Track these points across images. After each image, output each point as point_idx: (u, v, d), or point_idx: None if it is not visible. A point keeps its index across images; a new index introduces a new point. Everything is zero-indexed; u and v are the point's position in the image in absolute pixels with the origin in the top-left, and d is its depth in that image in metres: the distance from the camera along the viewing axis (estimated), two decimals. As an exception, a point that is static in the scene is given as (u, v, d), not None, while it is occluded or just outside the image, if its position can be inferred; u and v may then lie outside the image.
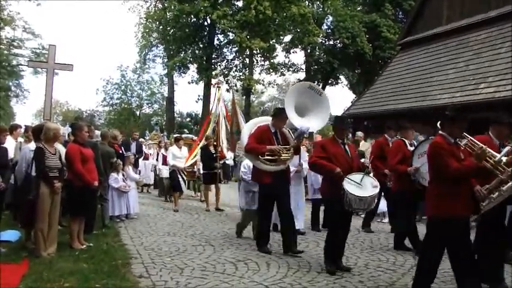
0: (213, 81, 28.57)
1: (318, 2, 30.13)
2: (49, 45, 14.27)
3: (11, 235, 6.87)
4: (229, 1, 26.11)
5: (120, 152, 9.80)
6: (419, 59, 16.98)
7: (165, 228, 8.60)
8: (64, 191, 6.45)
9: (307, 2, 28.46)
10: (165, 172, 12.66)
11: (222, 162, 11.92)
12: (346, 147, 6.03)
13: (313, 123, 6.78)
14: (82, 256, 6.13)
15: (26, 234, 6.62)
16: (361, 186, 5.61)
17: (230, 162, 16.20)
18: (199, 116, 31.59)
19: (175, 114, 37.42)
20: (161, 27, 29.63)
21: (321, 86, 34.43)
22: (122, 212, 9.35)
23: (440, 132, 4.80)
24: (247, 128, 7.24)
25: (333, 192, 5.69)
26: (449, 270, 5.03)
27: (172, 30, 28.26)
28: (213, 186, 11.56)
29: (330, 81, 33.70)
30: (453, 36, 15.85)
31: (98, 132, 10.51)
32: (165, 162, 12.74)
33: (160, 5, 30.56)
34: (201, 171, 12.01)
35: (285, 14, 25.70)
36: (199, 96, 29.84)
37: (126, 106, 40.44)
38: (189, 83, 29.15)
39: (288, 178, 7.01)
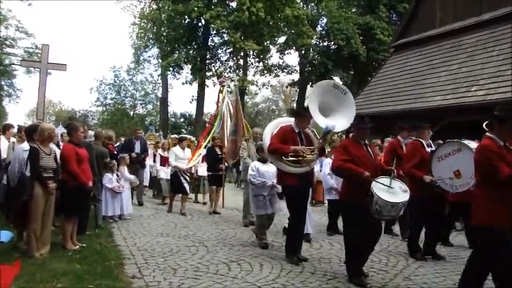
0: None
1: (312, 4, 30.19)
2: (42, 45, 14.25)
3: (3, 235, 6.82)
4: (223, 2, 26.11)
5: (115, 152, 9.80)
6: (413, 61, 17.06)
7: (159, 228, 8.59)
8: (58, 191, 6.44)
9: (301, 4, 28.50)
10: (163, 173, 12.35)
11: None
12: (369, 148, 5.74)
13: (339, 123, 6.38)
14: (75, 257, 6.12)
15: (18, 235, 6.60)
16: (391, 190, 5.25)
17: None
18: (193, 116, 31.56)
19: (169, 115, 37.36)
20: (155, 27, 29.59)
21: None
22: (115, 212, 9.33)
23: (488, 134, 4.47)
24: (269, 129, 6.90)
25: (357, 197, 5.31)
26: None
27: (166, 31, 28.22)
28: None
29: (324, 83, 33.72)
30: (446, 38, 15.95)
31: (91, 133, 10.49)
32: (163, 163, 12.46)
33: (154, 5, 30.53)
34: (205, 173, 11.79)
35: (279, 16, 25.71)
36: (193, 96, 29.83)
37: (119, 106, 40.34)
38: (183, 83, 29.16)
39: (311, 181, 6.81)
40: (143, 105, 42.28)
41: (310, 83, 33.71)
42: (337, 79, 33.12)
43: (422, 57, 16.67)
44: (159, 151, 13.29)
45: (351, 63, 29.74)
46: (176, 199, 11.14)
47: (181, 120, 39.58)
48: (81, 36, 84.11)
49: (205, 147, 11.99)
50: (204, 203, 12.24)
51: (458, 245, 7.82)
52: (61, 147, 7.52)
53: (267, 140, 6.70)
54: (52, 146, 6.66)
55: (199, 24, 27.85)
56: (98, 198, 8.27)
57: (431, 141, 7.15)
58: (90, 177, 6.85)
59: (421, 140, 6.90)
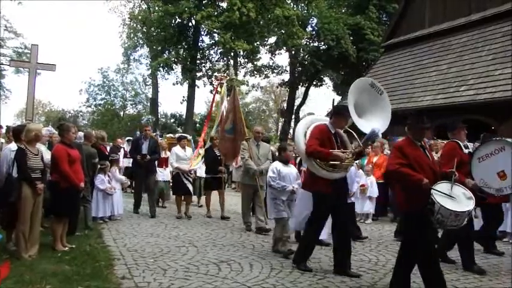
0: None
1: (303, 4, 30.25)
2: (31, 45, 14.16)
3: (-8, 237, 6.79)
4: (213, 2, 26.08)
5: (106, 153, 9.75)
6: (402, 61, 17.16)
7: (149, 229, 8.56)
8: (47, 192, 6.40)
9: (291, 4, 28.54)
10: (160, 175, 11.35)
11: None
12: (426, 150, 5.10)
13: (375, 125, 5.80)
14: (64, 258, 6.08)
15: (7, 236, 6.54)
16: (454, 198, 4.67)
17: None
18: (184, 117, 31.49)
19: (160, 115, 37.28)
20: (145, 27, 29.50)
21: (305, 87, 34.88)
22: (106, 213, 9.32)
23: None
24: (302, 127, 6.28)
25: (416, 205, 4.77)
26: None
27: (156, 31, 28.15)
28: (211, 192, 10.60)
29: (314, 83, 33.86)
30: (435, 39, 16.07)
31: (81, 134, 10.40)
32: (160, 165, 11.45)
33: (144, 6, 30.44)
34: (203, 175, 11.01)
35: (269, 16, 25.72)
36: (183, 97, 29.75)
37: (109, 107, 40.18)
38: (173, 84, 29.10)
39: (347, 187, 6.30)
40: (133, 105, 42.16)
41: (301, 83, 33.84)
42: (327, 79, 33.33)
43: (412, 57, 16.78)
44: None
45: (341, 63, 29.82)
46: (171, 202, 10.90)
47: (172, 120, 39.49)
48: (71, 36, 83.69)
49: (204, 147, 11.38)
50: (200, 206, 11.92)
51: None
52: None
53: (301, 141, 6.12)
54: (39, 146, 6.62)
55: (190, 24, 27.80)
56: (88, 199, 8.23)
57: (468, 143, 6.60)
58: (82, 178, 6.82)
59: (458, 141, 6.25)
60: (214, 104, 12.28)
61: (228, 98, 10.87)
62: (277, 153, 8.34)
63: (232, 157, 10.40)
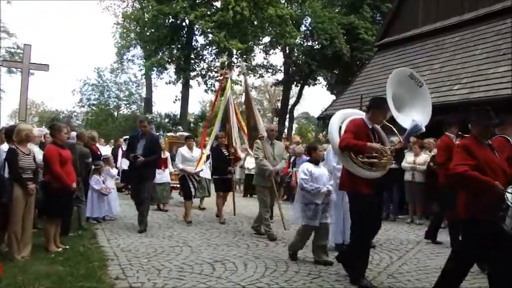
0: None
1: (296, 4, 30.28)
2: (24, 45, 14.08)
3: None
4: (207, 2, 26.05)
5: (98, 153, 9.71)
6: (396, 60, 17.18)
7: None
8: (40, 192, 6.37)
9: (285, 3, 28.55)
10: (158, 177, 10.51)
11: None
12: (494, 150, 4.58)
13: (416, 119, 5.42)
14: (58, 259, 6.05)
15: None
16: None
17: (249, 164, 13.87)
18: (178, 116, 31.45)
19: (154, 115, 37.18)
20: (139, 27, 29.43)
21: (299, 87, 34.91)
22: (101, 214, 9.32)
23: None
24: (336, 122, 5.76)
25: (484, 212, 4.25)
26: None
27: (150, 31, 28.08)
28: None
29: (308, 82, 33.89)
30: (429, 38, 16.10)
31: (74, 134, 10.36)
32: (159, 166, 10.52)
33: (137, 5, 30.34)
34: (206, 175, 10.57)
35: (263, 15, 25.71)
36: (176, 97, 29.69)
37: (103, 107, 40.05)
38: (166, 83, 29.06)
39: (383, 188, 5.95)
40: (127, 105, 42.04)
41: (295, 82, 33.86)
42: (321, 79, 33.35)
43: (405, 56, 16.80)
44: None
45: (335, 62, 29.86)
46: (171, 204, 10.64)
47: (166, 120, 39.39)
48: (64, 36, 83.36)
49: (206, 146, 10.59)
50: (202, 209, 11.42)
51: (441, 241, 7.89)
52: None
53: (335, 136, 5.62)
54: (33, 147, 6.59)
55: (184, 24, 27.76)
56: (81, 199, 8.19)
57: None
58: (74, 179, 6.78)
59: (507, 137, 5.66)
60: (217, 100, 11.52)
61: (242, 93, 10.42)
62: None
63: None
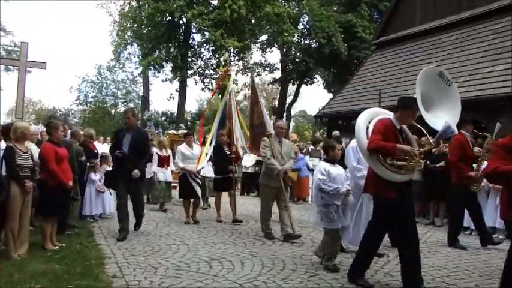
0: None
1: (294, 2, 30.25)
2: (21, 43, 14.02)
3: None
4: (204, 0, 26.01)
5: (95, 151, 9.70)
6: (393, 59, 17.21)
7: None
8: (36, 190, 6.36)
9: (282, 2, 28.53)
10: (161, 176, 10.86)
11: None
12: None
13: (447, 120, 5.13)
14: (54, 257, 6.04)
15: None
16: None
17: (247, 163, 14.20)
18: (175, 114, 31.43)
19: (151, 113, 37.14)
20: (135, 25, 29.38)
21: (296, 85, 34.90)
22: (98, 211, 9.32)
23: None
24: (362, 122, 5.45)
25: None
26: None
27: (146, 29, 28.03)
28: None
29: (305, 81, 33.88)
30: (426, 36, 16.12)
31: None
32: (161, 164, 10.96)
33: (134, 3, 30.28)
34: (209, 175, 10.48)
35: (260, 14, 25.69)
36: (171, 94, 29.57)
37: (100, 105, 40.01)
38: (162, 81, 29.04)
39: (411, 192, 5.46)
40: (124, 103, 41.97)
41: (292, 81, 33.84)
42: (318, 77, 33.35)
43: (403, 55, 16.83)
44: (155, 150, 11.40)
45: (332, 61, 29.84)
46: (173, 203, 10.46)
47: (163, 118, 39.37)
48: (61, 34, 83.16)
49: (210, 144, 10.12)
50: (205, 208, 11.10)
51: (434, 240, 7.91)
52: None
53: (362, 136, 5.33)
54: (30, 145, 6.58)
55: (181, 22, 27.72)
56: (75, 197, 8.13)
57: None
58: (70, 177, 6.76)
59: None
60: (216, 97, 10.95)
61: (248, 90, 10.11)
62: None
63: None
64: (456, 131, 5.29)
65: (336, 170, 6.02)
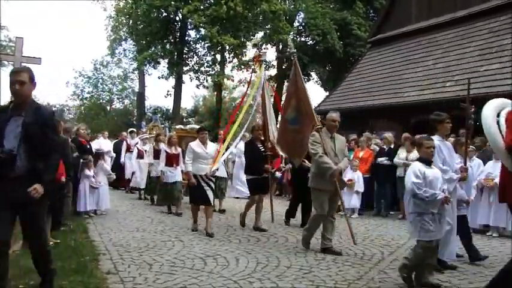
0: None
1: (289, -1, 30.24)
2: (16, 38, 13.88)
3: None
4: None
5: (88, 147, 9.67)
6: (389, 56, 17.26)
7: (135, 224, 8.53)
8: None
9: (278, -1, 28.50)
10: (170, 175, 10.09)
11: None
12: None
13: None
14: (49, 253, 6.03)
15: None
16: None
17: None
18: (170, 111, 31.38)
19: (146, 109, 37.08)
20: (131, 21, 29.28)
21: (292, 82, 34.82)
22: (92, 208, 9.30)
23: None
24: (491, 116, 4.77)
25: None
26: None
27: (142, 25, 27.95)
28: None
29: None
30: (422, 34, 16.18)
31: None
32: (170, 163, 10.08)
33: (130, -1, 30.21)
34: (222, 175, 9.75)
35: (256, 11, 25.65)
36: (168, 91, 29.53)
37: (96, 101, 39.84)
38: (158, 77, 28.97)
39: None
40: (120, 99, 41.85)
41: (287, 78, 33.81)
42: (314, 74, 33.35)
43: (399, 53, 16.88)
44: (163, 146, 10.69)
45: (327, 58, 29.84)
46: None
47: (159, 115, 39.30)
48: (56, 30, 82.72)
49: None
50: (221, 211, 10.32)
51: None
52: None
53: (496, 132, 4.59)
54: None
55: (176, 18, 27.64)
56: (66, 194, 8.04)
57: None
58: (63, 173, 6.76)
59: None
60: (250, 88, 10.03)
61: (289, 80, 8.74)
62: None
63: (299, 154, 8.12)
64: None
65: (432, 172, 5.09)
